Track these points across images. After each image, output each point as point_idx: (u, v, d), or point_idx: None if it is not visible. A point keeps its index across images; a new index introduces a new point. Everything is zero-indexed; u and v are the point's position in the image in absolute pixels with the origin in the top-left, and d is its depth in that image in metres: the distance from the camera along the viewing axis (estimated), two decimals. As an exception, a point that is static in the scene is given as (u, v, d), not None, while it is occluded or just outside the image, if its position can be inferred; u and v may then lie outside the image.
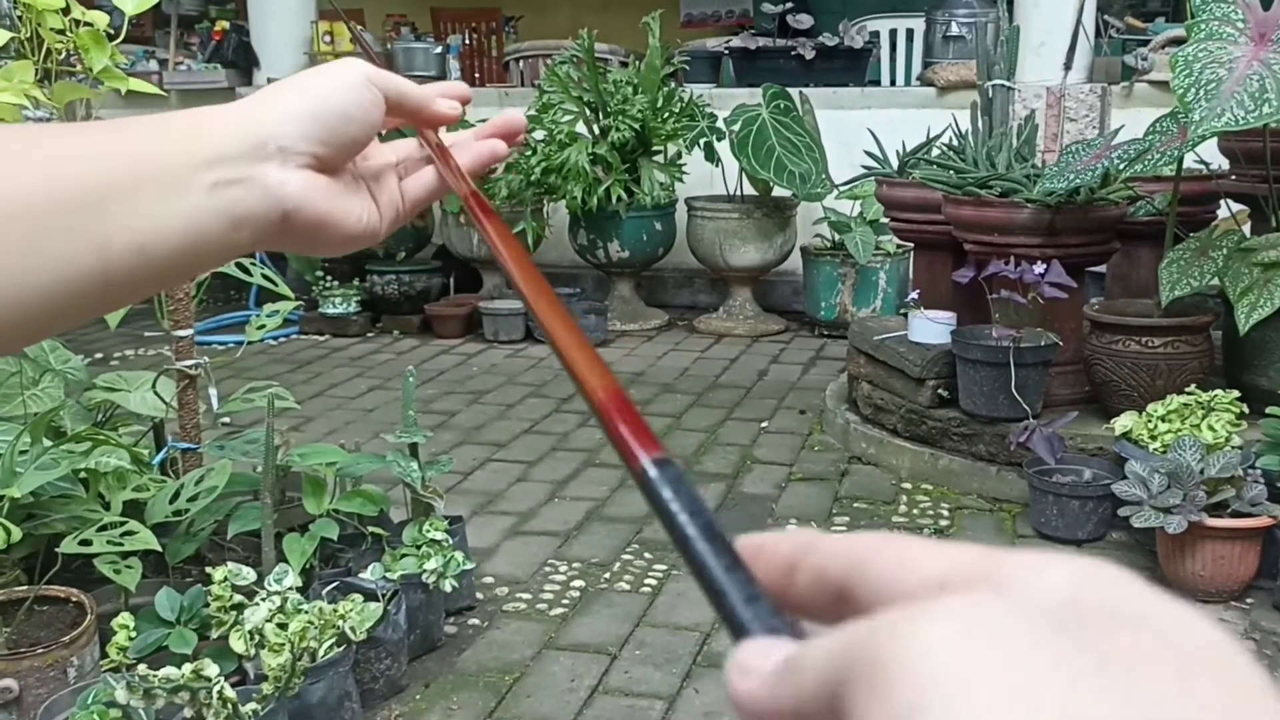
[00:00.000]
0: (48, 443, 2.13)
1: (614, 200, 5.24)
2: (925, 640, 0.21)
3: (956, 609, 0.21)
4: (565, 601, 2.71)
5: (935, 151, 4.12)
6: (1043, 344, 3.15)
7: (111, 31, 2.14)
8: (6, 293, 0.42)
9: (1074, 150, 3.27)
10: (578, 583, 2.81)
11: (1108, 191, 3.31)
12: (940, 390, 3.46)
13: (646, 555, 2.96)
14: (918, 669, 0.21)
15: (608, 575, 2.85)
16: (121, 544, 2.05)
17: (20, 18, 2.11)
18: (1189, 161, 3.46)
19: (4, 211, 0.41)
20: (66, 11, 2.11)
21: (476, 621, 2.62)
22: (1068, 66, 5.51)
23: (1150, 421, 2.93)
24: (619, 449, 0.32)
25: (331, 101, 0.52)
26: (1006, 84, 4.09)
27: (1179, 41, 5.42)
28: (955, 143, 3.95)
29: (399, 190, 0.60)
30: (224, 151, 0.48)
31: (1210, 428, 2.81)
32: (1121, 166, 3.16)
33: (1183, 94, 2.78)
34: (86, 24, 2.12)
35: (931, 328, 3.51)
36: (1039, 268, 3.04)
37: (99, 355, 5.03)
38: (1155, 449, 2.84)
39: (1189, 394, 2.96)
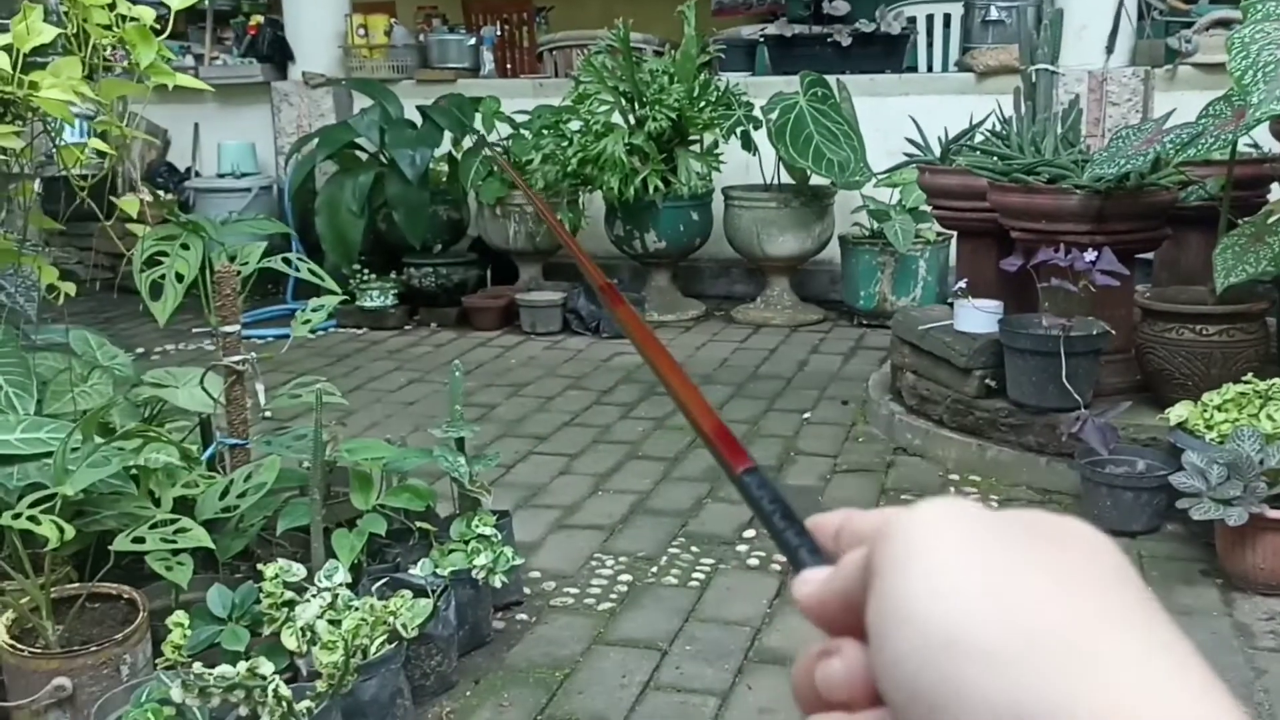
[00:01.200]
0: (98, 440, 2.13)
1: (651, 190, 5.21)
2: (914, 514, 0.33)
3: (936, 503, 0.34)
4: (613, 596, 2.69)
5: (979, 138, 4.06)
6: (1094, 332, 3.09)
7: (158, 26, 2.13)
8: None
9: (1124, 135, 3.22)
10: (625, 577, 2.79)
11: (1159, 176, 3.24)
12: (988, 380, 3.41)
13: (694, 549, 2.93)
14: (909, 529, 0.33)
15: (655, 569, 2.83)
16: (175, 541, 2.04)
17: (67, 13, 2.10)
18: (1240, 145, 3.39)
19: None
20: (113, 7, 2.10)
21: (525, 617, 2.61)
22: (1110, 50, 5.43)
23: (1206, 411, 2.87)
24: (723, 463, 0.43)
25: None
26: (1051, 69, 4.03)
27: (1224, 23, 5.33)
28: (999, 128, 3.89)
29: None
30: None
31: (1269, 417, 2.75)
32: (1174, 151, 3.10)
33: (1240, 76, 2.72)
34: (133, 19, 2.11)
35: (978, 316, 3.46)
36: (1090, 255, 2.98)
37: (140, 350, 5.05)
38: (1212, 439, 2.78)
39: (1246, 383, 2.90)
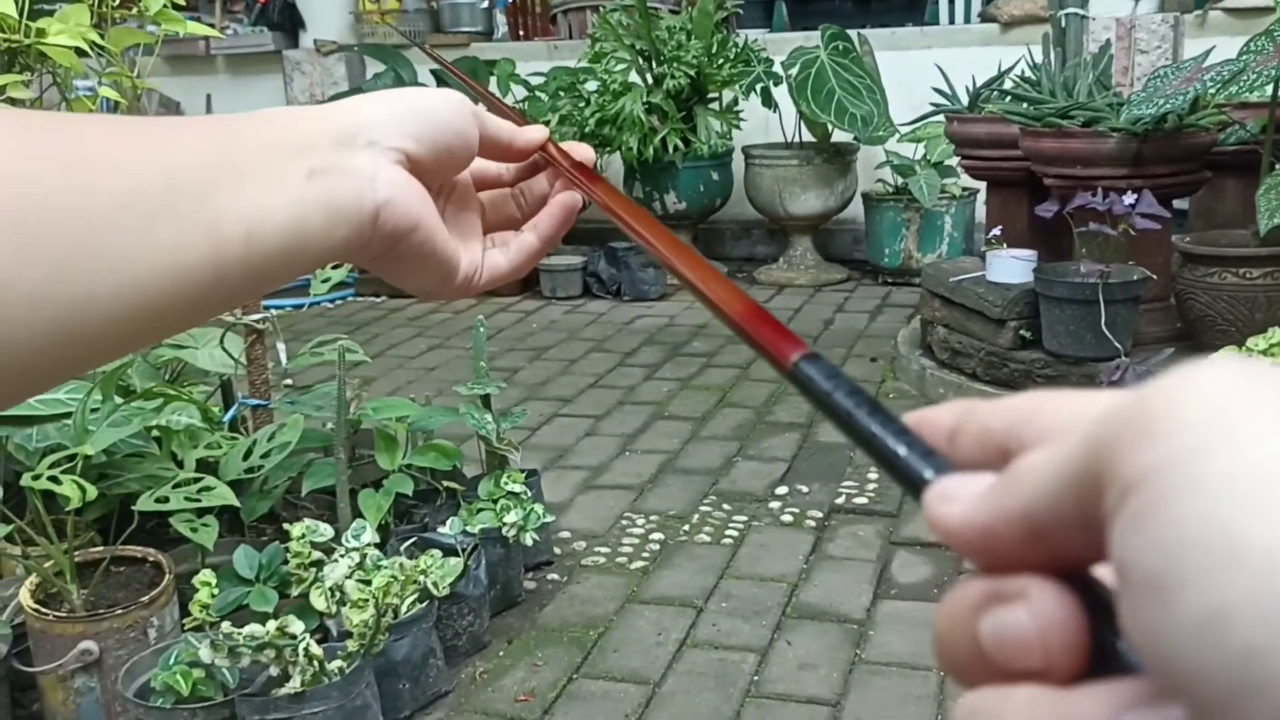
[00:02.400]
0: (118, 400, 2.08)
1: (670, 150, 5.12)
2: (1199, 385, 0.20)
3: (1223, 362, 0.20)
4: (645, 554, 2.64)
5: (1008, 84, 3.96)
6: (1134, 278, 3.01)
7: (167, -28, 2.06)
8: (126, 284, 0.39)
9: (1162, 74, 3.12)
10: (656, 535, 2.73)
11: (1198, 117, 3.15)
12: (1022, 331, 3.33)
13: (725, 506, 2.87)
14: (1197, 410, 0.20)
15: (687, 527, 2.77)
16: (199, 500, 1.99)
17: (74, -40, 2.03)
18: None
19: (123, 197, 0.40)
20: (120, -48, 2.03)
21: (556, 576, 2.56)
22: (1138, -4, 5.30)
23: (1251, 356, 2.79)
24: (766, 356, 0.34)
25: (425, 104, 0.51)
26: (1081, 12, 3.92)
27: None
28: (1030, 74, 3.80)
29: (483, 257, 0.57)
30: (314, 142, 0.46)
31: (1318, 360, 2.67)
32: (1214, 90, 3.00)
33: (1285, 7, 2.63)
34: (141, -36, 2.05)
35: (1012, 266, 3.37)
36: (1129, 197, 2.90)
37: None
38: (1258, 384, 2.70)
39: (1292, 326, 2.81)
